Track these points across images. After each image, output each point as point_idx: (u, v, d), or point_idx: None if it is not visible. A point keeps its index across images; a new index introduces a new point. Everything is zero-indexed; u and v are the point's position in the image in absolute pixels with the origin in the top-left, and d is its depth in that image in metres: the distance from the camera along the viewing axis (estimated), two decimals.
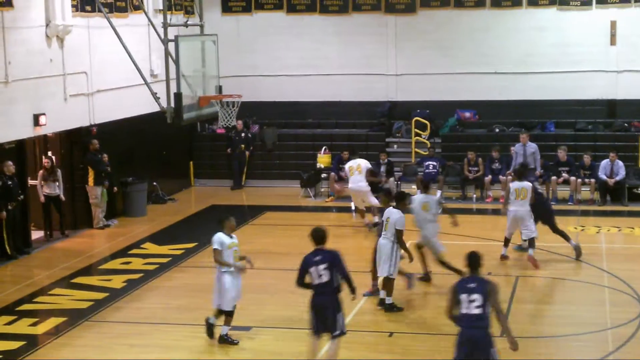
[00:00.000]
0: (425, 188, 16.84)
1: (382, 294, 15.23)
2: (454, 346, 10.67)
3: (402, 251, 15.04)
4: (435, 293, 16.27)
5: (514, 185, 17.93)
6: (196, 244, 19.94)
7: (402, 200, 15.42)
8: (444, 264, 16.41)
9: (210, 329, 13.72)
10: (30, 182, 20.56)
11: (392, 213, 15.05)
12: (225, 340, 13.61)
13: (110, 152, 22.26)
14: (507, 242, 18.32)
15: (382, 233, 15.15)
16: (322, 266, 11.84)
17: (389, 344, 13.75)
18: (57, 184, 20.79)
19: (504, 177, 23.35)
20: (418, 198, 16.60)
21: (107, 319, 15.18)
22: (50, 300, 16.29)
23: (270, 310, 15.23)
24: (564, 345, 13.64)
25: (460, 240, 19.98)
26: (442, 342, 13.70)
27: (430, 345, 13.62)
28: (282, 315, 15.08)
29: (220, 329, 13.66)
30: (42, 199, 20.62)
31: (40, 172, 20.79)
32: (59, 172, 20.91)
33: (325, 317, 11.92)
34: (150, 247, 20.19)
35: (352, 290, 12.09)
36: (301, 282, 12.11)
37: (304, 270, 12.01)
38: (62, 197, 20.95)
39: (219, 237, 13.47)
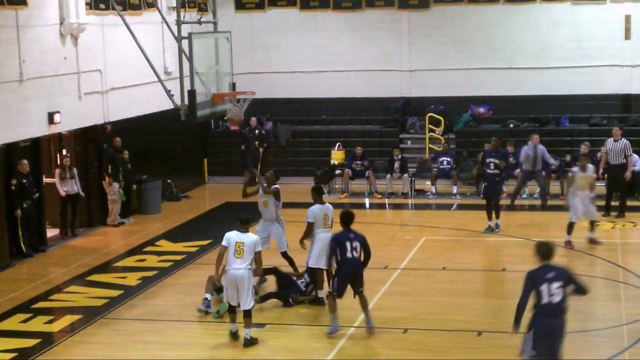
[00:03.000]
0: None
1: None
2: None
3: None
4: (449, 290, 16.26)
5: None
6: (210, 241, 19.94)
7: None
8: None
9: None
10: (45, 180, 20.61)
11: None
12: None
13: (125, 150, 22.33)
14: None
15: (325, 229, 15.09)
16: (556, 284, 10.55)
17: (403, 340, 13.72)
18: (74, 181, 20.85)
19: (519, 172, 23.17)
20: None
21: (122, 316, 15.20)
22: (65, 298, 16.34)
23: (284, 307, 15.24)
24: (579, 341, 13.58)
25: (474, 237, 19.97)
26: (457, 338, 13.71)
27: (444, 342, 13.60)
28: (296, 312, 15.10)
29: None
30: (63, 193, 20.65)
31: (57, 170, 20.85)
32: (75, 170, 20.97)
33: (555, 342, 10.65)
34: (165, 245, 20.23)
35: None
36: (526, 302, 10.63)
37: (531, 287, 10.62)
38: (82, 193, 21.00)
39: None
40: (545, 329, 10.61)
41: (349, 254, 13.54)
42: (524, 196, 23.66)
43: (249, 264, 13.34)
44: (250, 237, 13.49)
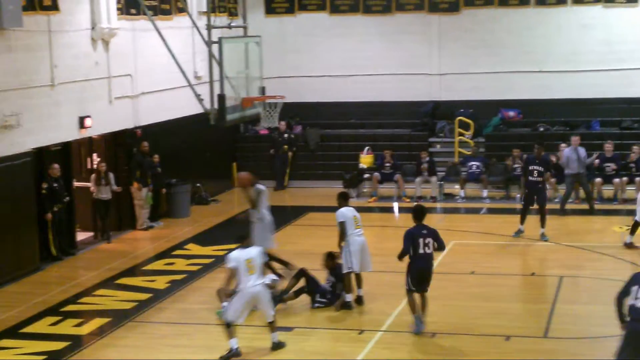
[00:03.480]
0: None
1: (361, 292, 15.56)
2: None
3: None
4: (477, 294, 16.21)
5: None
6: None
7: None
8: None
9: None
10: (76, 184, 20.75)
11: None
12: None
13: (155, 154, 22.45)
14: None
15: (357, 231, 15.24)
16: None
17: (431, 344, 13.71)
18: (109, 187, 20.93)
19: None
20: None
21: (151, 319, 15.29)
22: (94, 301, 16.46)
23: (312, 310, 15.27)
24: (607, 346, 13.45)
25: (504, 241, 19.91)
26: (485, 343, 13.67)
27: (473, 346, 13.56)
28: (323, 315, 15.11)
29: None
30: (97, 195, 20.77)
31: (93, 175, 20.94)
32: (111, 176, 21.06)
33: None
34: (194, 248, 20.31)
35: None
36: (620, 296, 10.63)
37: (629, 284, 10.55)
38: (118, 188, 21.04)
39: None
40: (629, 332, 10.43)
41: (421, 250, 13.74)
42: (569, 200, 23.31)
43: (262, 276, 13.37)
44: (255, 250, 13.48)
